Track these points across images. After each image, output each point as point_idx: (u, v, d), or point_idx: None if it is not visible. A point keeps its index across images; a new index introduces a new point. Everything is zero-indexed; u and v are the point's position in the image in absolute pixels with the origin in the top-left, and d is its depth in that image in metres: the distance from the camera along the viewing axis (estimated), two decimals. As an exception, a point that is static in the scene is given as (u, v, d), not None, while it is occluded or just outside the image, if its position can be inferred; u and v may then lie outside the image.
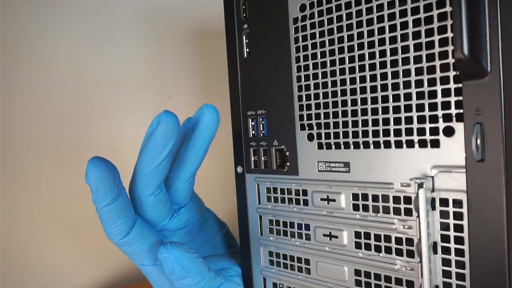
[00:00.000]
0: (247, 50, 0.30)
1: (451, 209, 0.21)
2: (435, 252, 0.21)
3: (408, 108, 0.22)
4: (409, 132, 0.22)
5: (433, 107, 0.21)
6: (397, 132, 0.22)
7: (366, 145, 0.24)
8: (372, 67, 0.23)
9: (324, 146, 0.26)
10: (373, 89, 0.23)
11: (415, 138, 0.22)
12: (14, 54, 0.44)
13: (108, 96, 0.47)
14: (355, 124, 0.24)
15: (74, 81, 0.46)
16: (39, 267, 0.46)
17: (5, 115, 0.44)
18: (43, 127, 0.45)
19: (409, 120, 0.22)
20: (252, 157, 0.30)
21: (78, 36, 0.46)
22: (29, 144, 0.45)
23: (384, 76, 0.23)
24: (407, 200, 0.22)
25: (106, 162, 0.25)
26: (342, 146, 0.25)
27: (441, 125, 0.21)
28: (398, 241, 0.23)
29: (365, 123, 0.24)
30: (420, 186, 0.21)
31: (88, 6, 0.47)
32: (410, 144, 0.22)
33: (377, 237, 0.24)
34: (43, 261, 0.46)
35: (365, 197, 0.24)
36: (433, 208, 0.21)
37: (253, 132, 0.30)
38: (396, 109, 0.22)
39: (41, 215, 0.46)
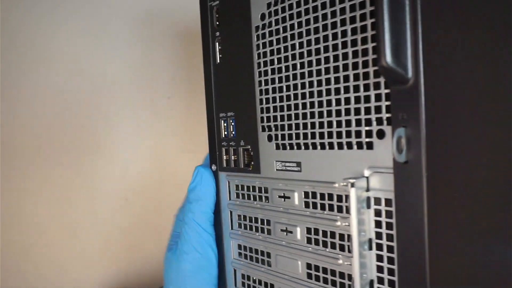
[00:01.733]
0: (220, 56, 0.32)
1: (383, 208, 0.22)
2: (371, 248, 0.23)
3: (347, 112, 0.23)
4: (348, 134, 0.23)
5: (367, 111, 0.22)
6: (339, 134, 0.24)
7: (314, 146, 0.25)
8: (318, 73, 0.24)
9: (281, 147, 0.27)
10: (319, 93, 0.24)
11: (353, 140, 0.23)
12: (13, 54, 0.46)
13: (108, 95, 0.50)
14: (305, 126, 0.25)
15: (74, 81, 0.48)
16: (39, 267, 0.47)
17: (5, 115, 0.45)
18: (43, 127, 0.46)
19: (348, 123, 0.23)
20: (224, 156, 0.32)
21: (78, 35, 0.49)
22: (29, 144, 0.46)
23: (328, 82, 0.24)
24: (348, 198, 0.24)
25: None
26: (295, 147, 0.26)
27: (374, 128, 0.22)
28: (341, 237, 0.24)
29: (313, 125, 0.25)
30: (352, 185, 0.22)
31: (88, 5, 0.49)
32: (349, 145, 0.23)
33: (324, 233, 0.25)
34: (43, 261, 0.47)
35: (314, 195, 0.26)
36: (368, 206, 0.22)
37: (225, 132, 0.32)
38: (338, 113, 0.23)
39: (41, 215, 0.47)
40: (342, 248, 0.24)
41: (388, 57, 0.19)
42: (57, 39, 0.48)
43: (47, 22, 0.48)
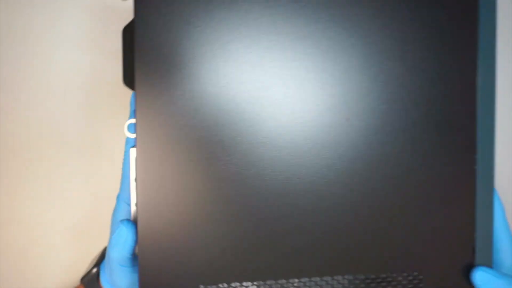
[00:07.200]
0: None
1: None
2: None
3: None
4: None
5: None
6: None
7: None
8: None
9: None
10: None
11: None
12: (14, 53, 0.45)
13: (108, 95, 0.47)
14: None
15: (74, 81, 0.46)
16: (39, 267, 0.46)
17: (5, 115, 0.45)
18: (43, 127, 0.45)
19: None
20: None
21: (79, 34, 0.47)
22: (29, 144, 0.45)
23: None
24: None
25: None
26: None
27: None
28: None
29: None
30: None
31: (89, 4, 0.47)
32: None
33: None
34: (43, 261, 0.46)
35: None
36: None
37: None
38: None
39: (41, 215, 0.46)
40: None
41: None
42: (58, 38, 0.46)
43: (48, 21, 0.46)
